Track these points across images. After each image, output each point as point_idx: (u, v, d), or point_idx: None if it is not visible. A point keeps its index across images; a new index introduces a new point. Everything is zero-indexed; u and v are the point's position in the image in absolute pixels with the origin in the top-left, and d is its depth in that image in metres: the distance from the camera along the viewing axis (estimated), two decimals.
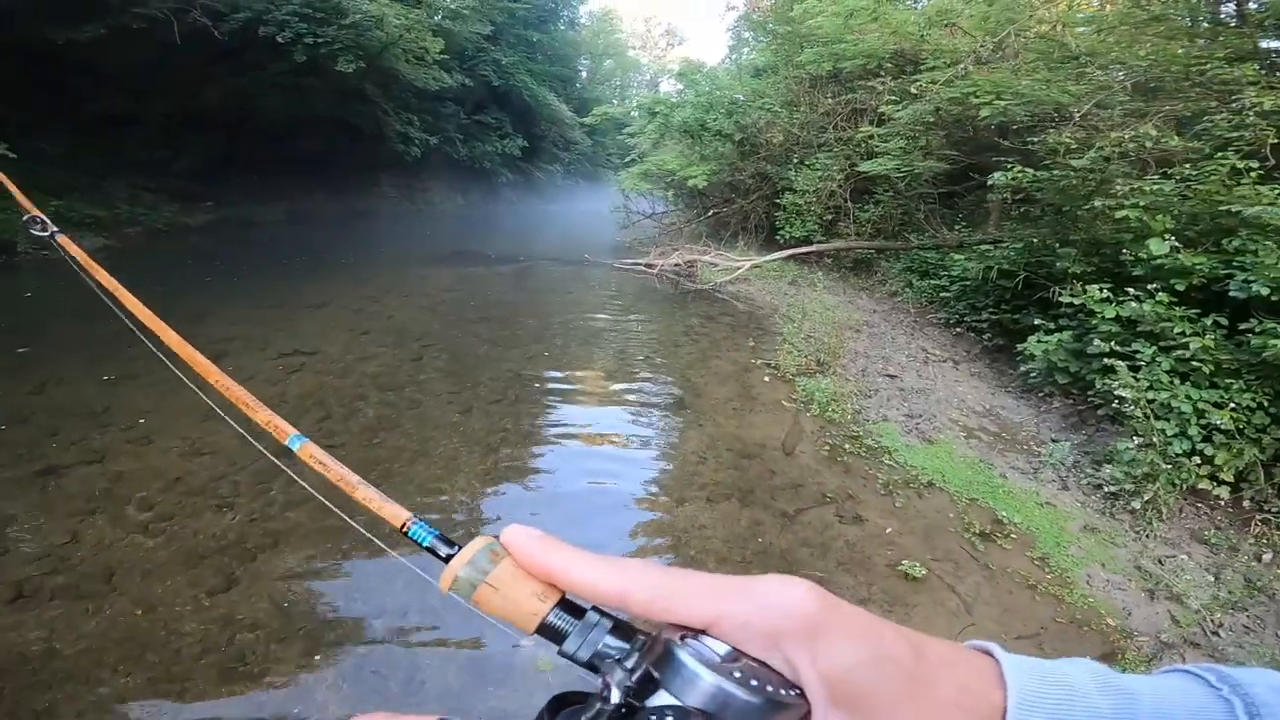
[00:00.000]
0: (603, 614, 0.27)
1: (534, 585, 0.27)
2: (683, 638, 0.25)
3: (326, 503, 0.72)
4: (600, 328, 6.27)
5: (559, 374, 4.74)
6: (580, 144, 29.84)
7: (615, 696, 0.23)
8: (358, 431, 3.56)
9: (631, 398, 4.36)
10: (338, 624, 2.16)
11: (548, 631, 0.27)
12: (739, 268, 8.49)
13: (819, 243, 9.43)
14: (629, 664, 0.25)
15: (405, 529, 0.38)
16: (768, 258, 9.11)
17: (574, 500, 3.07)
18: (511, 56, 22.97)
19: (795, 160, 10.32)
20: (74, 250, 1.13)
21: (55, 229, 1.37)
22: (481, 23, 18.35)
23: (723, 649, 0.24)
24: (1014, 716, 0.25)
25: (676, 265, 8.89)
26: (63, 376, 4.16)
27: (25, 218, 1.42)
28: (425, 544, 0.35)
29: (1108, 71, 5.48)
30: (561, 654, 0.27)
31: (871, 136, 8.46)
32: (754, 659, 0.25)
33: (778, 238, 10.00)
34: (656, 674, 0.24)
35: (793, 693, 0.24)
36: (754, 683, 0.23)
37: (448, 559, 0.30)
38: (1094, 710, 0.27)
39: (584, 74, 35.29)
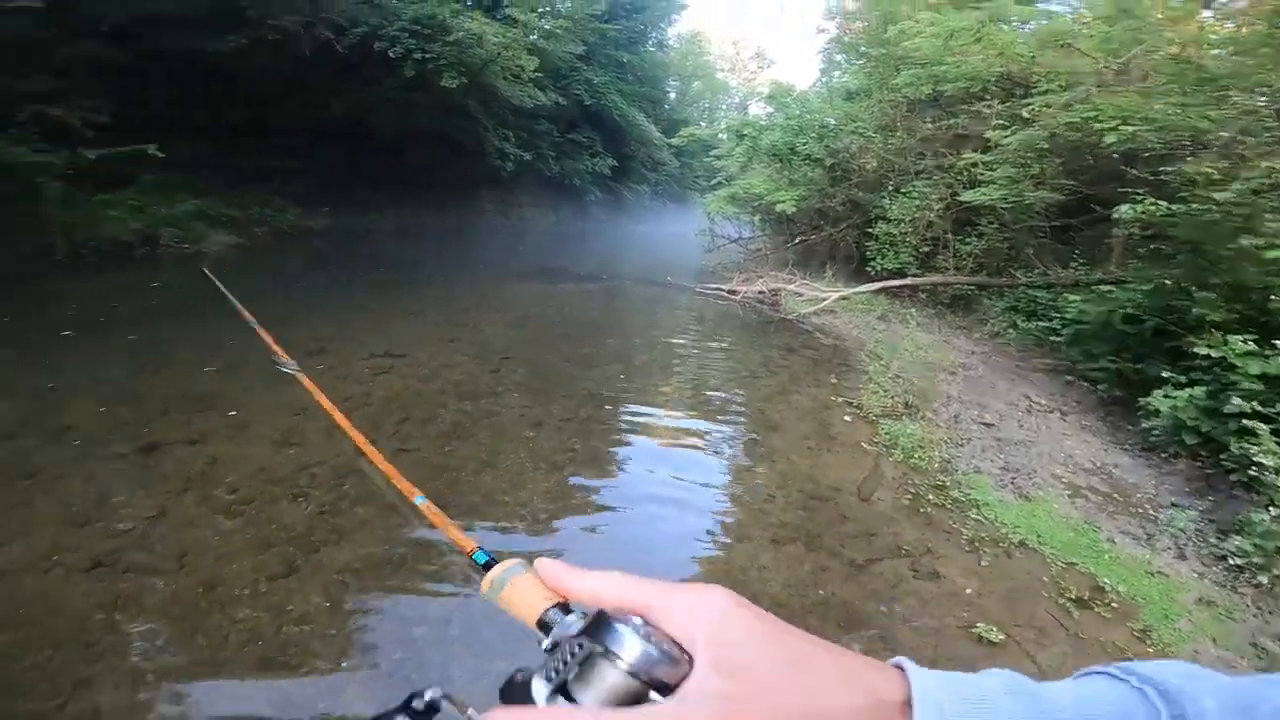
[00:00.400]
0: (583, 612, 0.35)
1: (543, 591, 0.37)
2: (613, 612, 0.33)
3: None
4: (679, 352, 6.24)
5: (633, 397, 4.73)
6: (668, 165, 30.36)
7: (545, 644, 0.33)
8: (434, 437, 3.69)
9: (703, 427, 4.27)
10: (380, 625, 2.21)
11: (542, 625, 0.34)
12: (825, 299, 8.24)
13: (914, 276, 9.00)
14: (575, 630, 0.33)
15: (471, 553, 0.51)
16: (857, 290, 8.79)
17: (633, 526, 3.02)
18: (603, 76, 23.80)
19: (890, 188, 9.95)
20: (307, 383, 1.32)
21: (296, 366, 1.62)
22: (574, 43, 19.13)
23: (639, 620, 0.32)
24: (918, 708, 0.28)
25: (760, 293, 8.76)
26: (175, 362, 4.62)
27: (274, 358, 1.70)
28: (481, 563, 0.46)
29: (1251, 96, 4.94)
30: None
31: (976, 164, 8.03)
32: (664, 633, 0.31)
33: (868, 269, 9.64)
34: (594, 633, 0.32)
35: (685, 655, 0.30)
36: (654, 638, 0.31)
37: (488, 567, 0.41)
38: (1002, 710, 0.29)
39: (673, 95, 35.98)
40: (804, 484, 3.54)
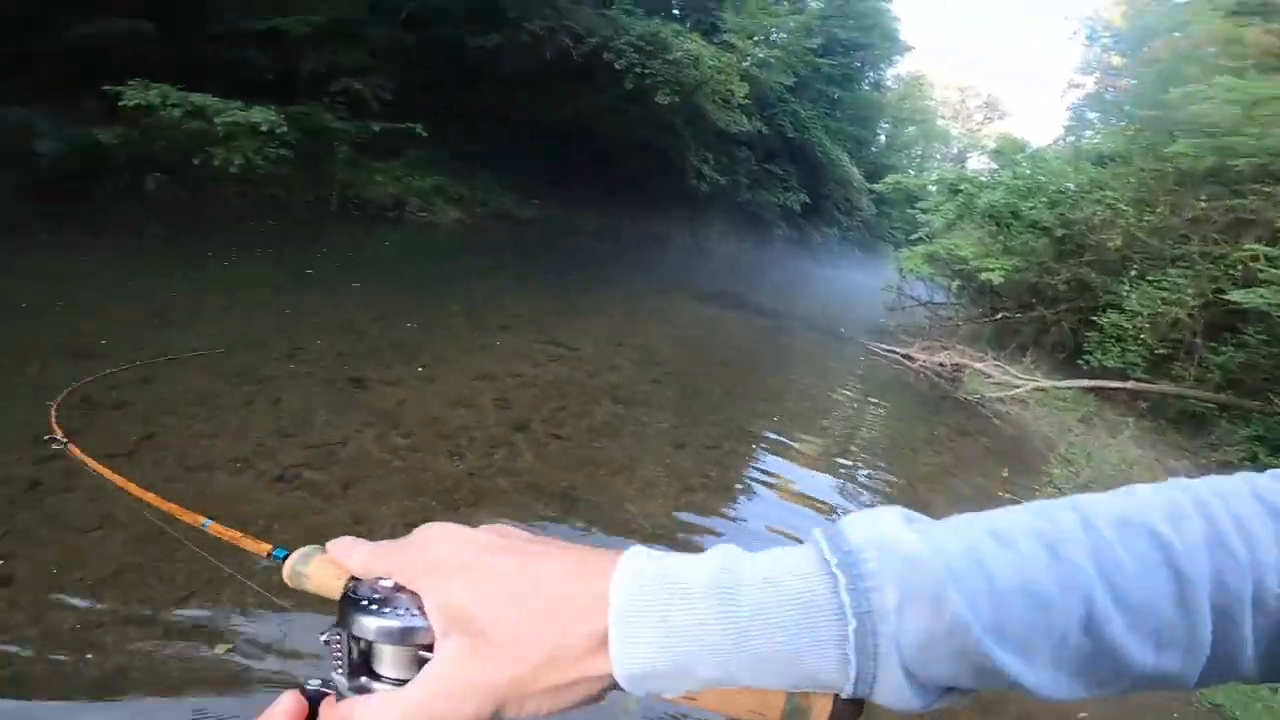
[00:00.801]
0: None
1: (336, 570, 0.37)
2: (356, 587, 0.33)
3: None
4: (838, 406, 5.99)
5: (780, 441, 4.60)
6: (864, 211, 29.13)
7: (323, 638, 0.33)
8: (583, 430, 3.91)
9: (846, 491, 4.04)
10: None
11: (344, 599, 0.33)
12: (1019, 386, 7.36)
13: (1140, 380, 7.68)
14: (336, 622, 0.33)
15: (269, 554, 0.49)
16: (1061, 383, 7.73)
17: None
18: (810, 110, 23.51)
19: (1133, 273, 8.58)
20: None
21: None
22: (786, 74, 19.16)
23: (387, 586, 0.32)
24: (614, 626, 0.29)
25: (941, 365, 8.09)
26: (388, 313, 5.42)
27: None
28: (280, 557, 0.43)
29: None
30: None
31: (1257, 257, 6.66)
32: (410, 591, 0.32)
33: (1080, 362, 8.41)
34: (341, 620, 0.32)
35: (426, 621, 0.31)
36: (397, 611, 0.31)
37: (284, 559, 0.40)
38: (696, 617, 0.28)
39: (882, 138, 34.42)
40: None
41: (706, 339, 7.55)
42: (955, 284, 11.99)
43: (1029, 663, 0.28)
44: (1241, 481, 0.33)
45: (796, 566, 0.29)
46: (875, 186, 18.50)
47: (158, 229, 7.35)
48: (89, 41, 8.06)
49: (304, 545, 0.39)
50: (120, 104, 7.48)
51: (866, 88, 29.63)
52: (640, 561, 0.31)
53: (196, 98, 7.87)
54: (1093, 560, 0.29)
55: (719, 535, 3.16)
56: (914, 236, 13.93)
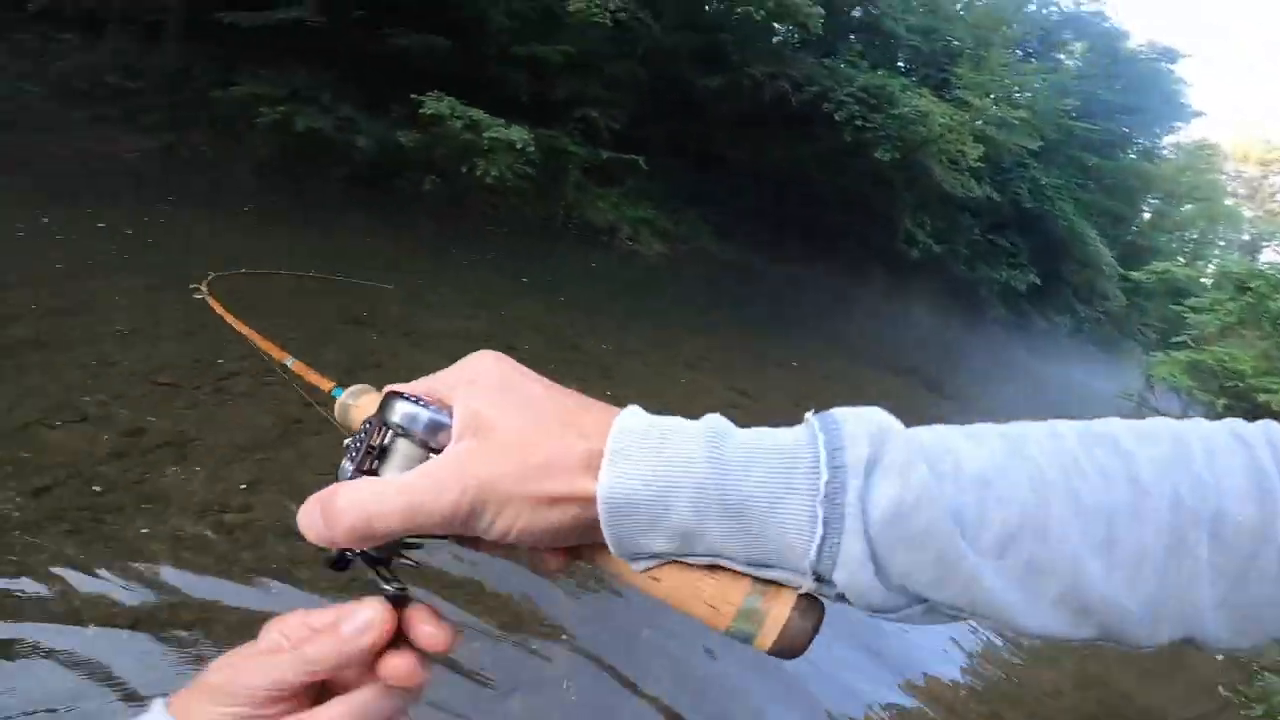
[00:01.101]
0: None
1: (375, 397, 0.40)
2: (401, 389, 0.35)
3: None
4: None
5: None
6: (1111, 300, 25.06)
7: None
8: None
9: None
10: None
11: (388, 394, 0.36)
12: None
13: None
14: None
15: (330, 390, 0.51)
16: None
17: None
18: (1055, 179, 21.04)
19: None
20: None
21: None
22: (1031, 136, 17.51)
23: (421, 395, 0.34)
24: (612, 441, 0.31)
25: None
26: (593, 334, 6.02)
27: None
28: (337, 395, 0.45)
29: None
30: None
31: None
32: (443, 403, 0.34)
33: None
34: (379, 412, 0.34)
35: (450, 421, 0.33)
36: (426, 404, 0.33)
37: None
38: (687, 450, 0.30)
39: (1146, 215, 29.60)
40: (1108, 695, 2.95)
41: (898, 414, 7.24)
42: (1221, 403, 10.02)
43: (982, 557, 0.28)
44: (1225, 423, 0.33)
45: (785, 431, 0.32)
46: (1132, 274, 16.17)
47: (428, 224, 8.97)
48: (401, 52, 9.97)
49: None
50: (421, 111, 9.18)
51: (1133, 156, 25.72)
52: (645, 413, 0.33)
53: (473, 112, 9.39)
54: (1055, 463, 0.30)
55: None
56: (1176, 339, 11.94)
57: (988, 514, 0.28)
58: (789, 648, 0.31)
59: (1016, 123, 17.01)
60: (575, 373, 4.79)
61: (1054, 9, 23.21)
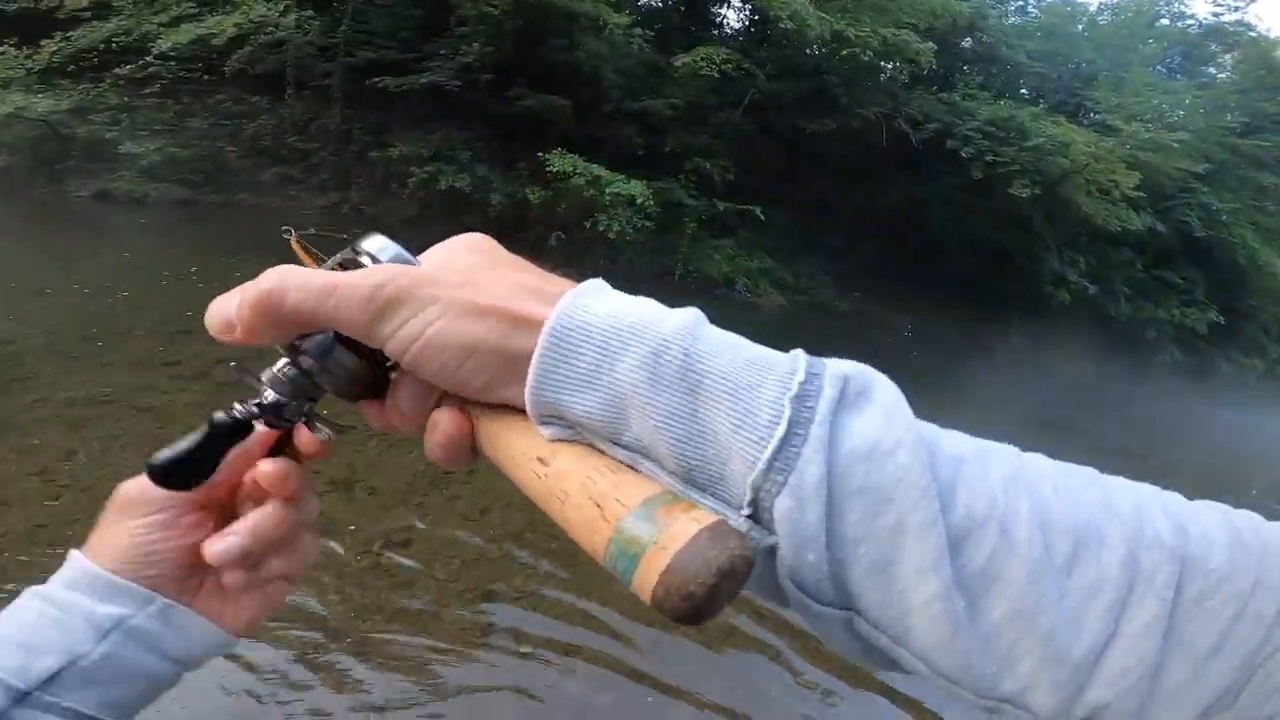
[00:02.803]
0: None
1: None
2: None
3: None
4: None
5: None
6: None
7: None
8: None
9: None
10: None
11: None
12: None
13: None
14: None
15: None
16: None
17: None
18: (1230, 203, 18.68)
19: None
20: None
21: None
22: (1194, 159, 15.84)
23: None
24: (579, 289, 0.29)
25: None
26: None
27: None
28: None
29: None
30: None
31: None
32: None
33: None
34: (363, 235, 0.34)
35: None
36: (405, 249, 0.32)
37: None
38: (660, 313, 0.28)
39: None
40: None
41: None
42: None
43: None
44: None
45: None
46: None
47: None
48: (526, 112, 10.90)
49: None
50: (547, 169, 9.97)
51: None
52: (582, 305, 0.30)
53: (595, 167, 10.02)
54: (1031, 469, 0.29)
55: None
56: None
57: (955, 495, 0.25)
58: (682, 591, 0.21)
59: (1176, 145, 15.59)
60: None
61: (1191, 22, 21.38)
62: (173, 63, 10.16)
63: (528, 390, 0.27)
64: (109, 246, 7.66)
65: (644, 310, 0.28)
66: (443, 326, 0.28)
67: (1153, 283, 19.08)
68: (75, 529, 2.74)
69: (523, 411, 0.28)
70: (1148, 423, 13.77)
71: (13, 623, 0.34)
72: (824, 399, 0.25)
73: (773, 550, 0.25)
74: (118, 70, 10.15)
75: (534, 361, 0.27)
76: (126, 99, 10.34)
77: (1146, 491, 0.29)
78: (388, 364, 0.33)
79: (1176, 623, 0.24)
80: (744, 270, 12.13)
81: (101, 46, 10.05)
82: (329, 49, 10.95)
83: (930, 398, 9.07)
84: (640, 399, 0.26)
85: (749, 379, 0.25)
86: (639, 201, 9.96)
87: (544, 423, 0.28)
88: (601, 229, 10.02)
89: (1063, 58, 17.74)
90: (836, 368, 0.27)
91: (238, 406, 0.34)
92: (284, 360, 0.34)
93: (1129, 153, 14.89)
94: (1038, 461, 0.29)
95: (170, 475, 0.33)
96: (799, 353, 0.28)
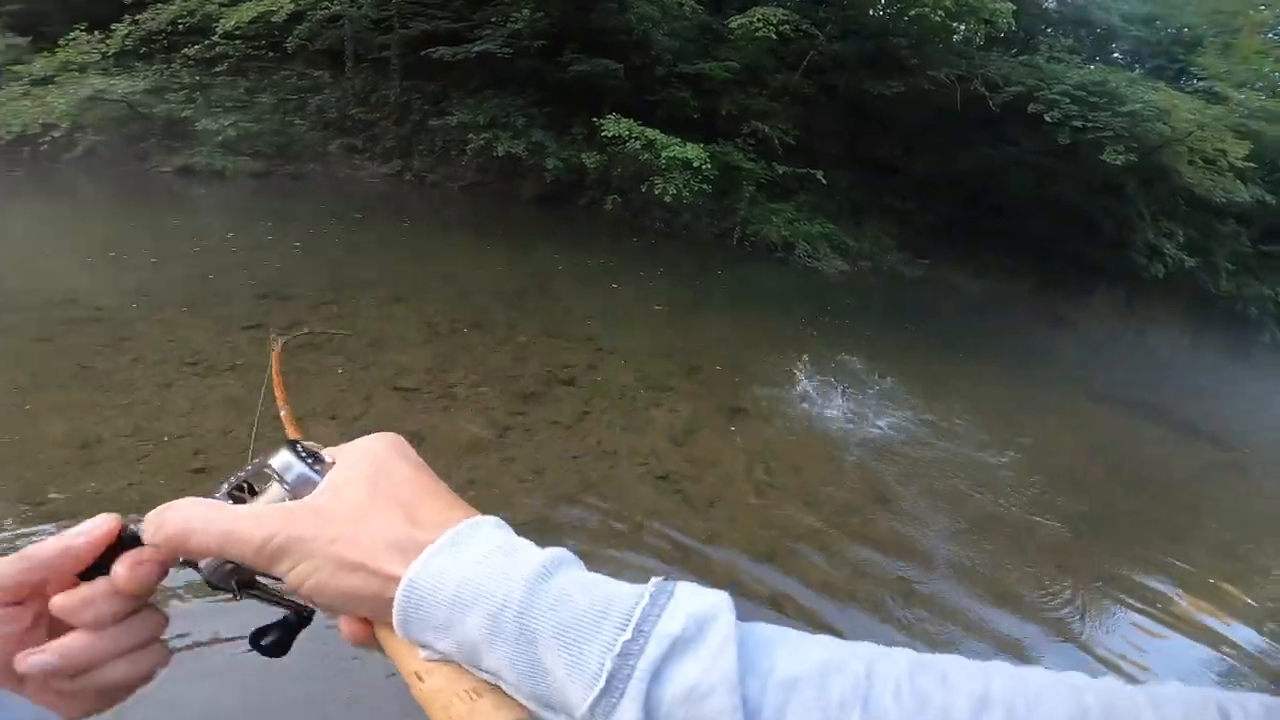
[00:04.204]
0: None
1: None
2: (302, 443, 0.40)
3: None
4: None
5: (1192, 603, 3.78)
6: None
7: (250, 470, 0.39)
8: (942, 513, 3.88)
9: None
10: None
11: (290, 442, 0.40)
12: None
13: None
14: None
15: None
16: None
17: None
18: None
19: None
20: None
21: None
22: None
23: (327, 460, 0.38)
24: (447, 538, 0.33)
25: None
26: (776, 349, 6.13)
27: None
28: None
29: None
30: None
31: None
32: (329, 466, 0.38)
33: None
34: (269, 455, 0.39)
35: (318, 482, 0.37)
36: (310, 463, 0.38)
37: (291, 447, 0.42)
38: (508, 569, 0.32)
39: None
40: None
41: (1121, 454, 6.42)
42: None
43: None
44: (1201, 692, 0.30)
45: (622, 585, 0.32)
46: None
47: (605, 242, 9.73)
48: (579, 78, 10.93)
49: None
50: (601, 134, 10.00)
51: None
52: (501, 527, 0.35)
53: (650, 132, 10.01)
54: (877, 678, 0.30)
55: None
56: None
57: (785, 717, 0.28)
58: None
59: None
60: (758, 392, 5.00)
61: None
62: (238, 41, 10.65)
63: (395, 629, 0.33)
64: (192, 218, 8.20)
65: (494, 571, 0.32)
66: (320, 580, 0.34)
67: (1259, 258, 17.62)
68: (159, 486, 3.01)
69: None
70: (1240, 406, 12.89)
71: None
72: (645, 657, 0.29)
73: None
74: (186, 51, 10.75)
75: (394, 613, 0.33)
76: (198, 78, 10.96)
77: (1001, 687, 0.29)
78: None
79: None
80: (804, 234, 11.91)
81: (169, 28, 10.61)
82: (383, 22, 11.22)
83: (1003, 367, 8.80)
84: (484, 648, 0.31)
85: (583, 632, 0.30)
86: (696, 165, 9.92)
87: (420, 646, 0.33)
88: (658, 192, 10.04)
89: (1163, 22, 16.43)
90: (669, 623, 0.30)
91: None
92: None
93: (1238, 121, 13.77)
94: (893, 665, 0.31)
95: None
96: (641, 600, 0.31)
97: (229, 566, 0.37)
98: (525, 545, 0.34)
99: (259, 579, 0.38)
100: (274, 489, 0.38)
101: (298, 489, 0.37)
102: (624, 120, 10.05)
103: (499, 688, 0.32)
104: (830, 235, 12.35)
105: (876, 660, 0.30)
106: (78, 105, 9.71)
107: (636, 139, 9.93)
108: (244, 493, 0.39)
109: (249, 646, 0.39)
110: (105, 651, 0.35)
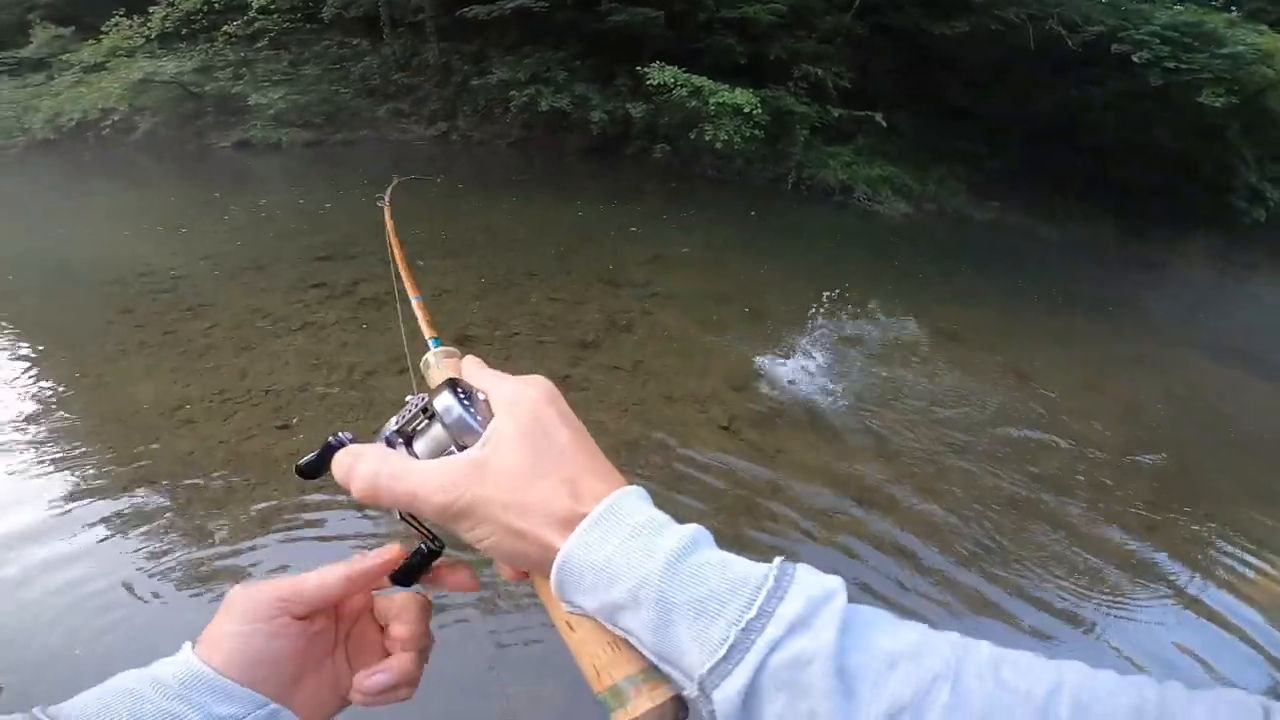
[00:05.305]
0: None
1: (452, 371, 0.49)
2: (460, 382, 0.43)
3: None
4: None
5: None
6: None
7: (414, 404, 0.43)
8: (1026, 473, 3.66)
9: None
10: None
11: (449, 380, 0.44)
12: None
13: None
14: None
15: (430, 339, 0.57)
16: None
17: None
18: None
19: None
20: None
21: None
22: None
23: (481, 398, 0.42)
24: (596, 514, 0.37)
25: None
26: (838, 292, 5.91)
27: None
28: (434, 346, 0.54)
29: None
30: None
31: None
32: (489, 409, 0.42)
33: None
34: (431, 395, 0.43)
35: (480, 431, 0.40)
36: (470, 407, 0.41)
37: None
38: (651, 547, 0.36)
39: None
40: None
41: (1221, 410, 5.86)
42: None
43: None
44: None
45: (750, 565, 0.36)
46: None
47: (655, 189, 9.59)
48: (619, 27, 10.68)
49: None
50: (647, 82, 9.79)
51: None
52: (644, 500, 0.39)
53: (697, 79, 9.74)
54: (965, 661, 0.33)
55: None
56: None
57: (883, 686, 0.32)
58: None
59: None
60: (814, 340, 4.85)
61: None
62: (274, 15, 10.83)
63: (550, 586, 0.38)
64: (253, 188, 8.50)
65: (638, 548, 0.37)
66: (493, 542, 0.39)
67: None
68: (249, 445, 3.14)
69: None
70: None
71: (127, 714, 0.36)
72: (764, 635, 0.33)
73: (711, 714, 0.35)
74: (226, 28, 11.02)
75: (552, 575, 0.38)
76: (242, 54, 11.22)
77: (1073, 680, 0.33)
78: None
79: None
80: (863, 178, 11.47)
81: (204, 7, 10.90)
82: None
83: (1095, 320, 8.26)
84: (624, 611, 0.36)
85: (712, 607, 0.34)
86: (747, 110, 9.65)
87: (562, 602, 0.39)
88: (708, 139, 9.83)
89: None
90: (792, 604, 0.34)
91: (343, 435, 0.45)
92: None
93: None
94: (978, 652, 0.34)
95: (302, 473, 0.45)
96: (766, 581, 0.35)
97: None
98: (666, 522, 0.38)
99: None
100: (436, 430, 0.41)
101: (458, 434, 0.40)
102: (669, 68, 9.81)
103: (628, 640, 0.37)
104: (892, 177, 11.86)
105: (964, 647, 0.34)
106: (131, 89, 10.09)
107: (683, 86, 9.70)
108: (411, 430, 0.42)
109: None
110: (418, 668, 0.45)
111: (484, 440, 0.40)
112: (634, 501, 0.39)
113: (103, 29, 10.91)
